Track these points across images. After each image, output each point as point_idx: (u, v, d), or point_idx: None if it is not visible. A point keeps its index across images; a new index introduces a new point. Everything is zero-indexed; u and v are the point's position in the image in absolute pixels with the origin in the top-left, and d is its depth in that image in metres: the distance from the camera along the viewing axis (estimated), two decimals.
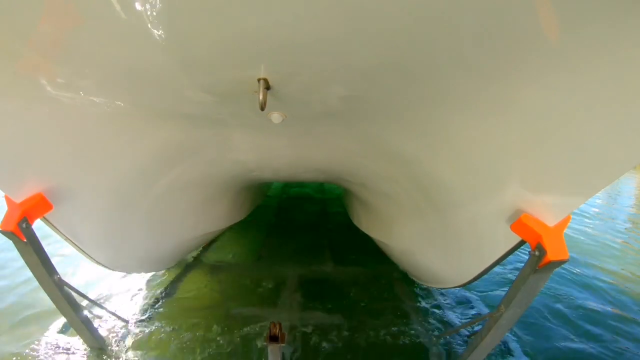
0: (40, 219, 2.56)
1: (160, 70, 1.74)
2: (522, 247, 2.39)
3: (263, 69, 1.67)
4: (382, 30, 1.37)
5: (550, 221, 2.13)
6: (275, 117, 2.31)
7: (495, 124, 2.05)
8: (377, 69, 1.69)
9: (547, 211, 2.11)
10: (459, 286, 3.26)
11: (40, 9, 1.37)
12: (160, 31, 1.40)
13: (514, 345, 3.34)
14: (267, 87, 1.77)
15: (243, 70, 1.69)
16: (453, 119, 2.21)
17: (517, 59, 1.56)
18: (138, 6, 1.26)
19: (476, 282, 2.90)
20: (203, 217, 4.63)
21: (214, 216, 5.01)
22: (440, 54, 1.57)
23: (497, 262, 2.59)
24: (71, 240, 2.83)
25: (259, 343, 3.14)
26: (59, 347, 3.05)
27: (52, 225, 2.63)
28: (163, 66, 1.69)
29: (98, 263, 3.21)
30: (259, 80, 1.73)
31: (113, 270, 3.57)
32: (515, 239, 2.34)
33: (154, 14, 1.30)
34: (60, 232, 2.72)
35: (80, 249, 2.97)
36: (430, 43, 1.47)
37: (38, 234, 2.51)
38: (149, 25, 1.36)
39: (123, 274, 4.20)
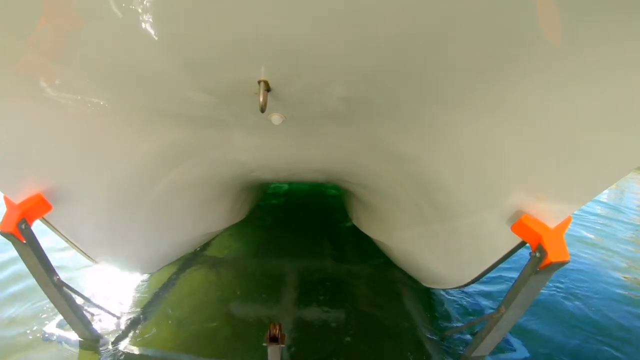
0: (40, 220, 2.55)
1: (162, 71, 1.75)
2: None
3: (263, 71, 1.69)
4: (381, 33, 1.38)
5: (551, 222, 2.12)
6: (276, 118, 2.33)
7: (495, 125, 2.05)
8: (376, 71, 1.70)
9: (548, 212, 2.11)
10: (459, 287, 3.27)
11: (42, 10, 1.37)
12: (162, 33, 1.41)
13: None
14: (268, 89, 1.78)
15: (244, 72, 1.70)
16: (453, 120, 2.22)
17: (516, 60, 1.57)
18: (139, 8, 1.26)
19: None
20: (203, 217, 4.63)
21: (214, 217, 5.02)
22: (440, 56, 1.58)
23: (498, 263, 2.59)
24: (71, 241, 2.83)
25: (258, 340, 3.14)
26: (57, 342, 3.06)
27: (52, 225, 2.63)
28: (164, 68, 1.70)
29: (98, 264, 3.22)
30: (259, 82, 1.74)
31: (113, 270, 3.57)
32: (516, 240, 2.34)
33: (155, 16, 1.31)
34: (60, 233, 2.71)
35: (80, 250, 2.96)
36: (429, 45, 1.48)
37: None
38: (150, 28, 1.36)
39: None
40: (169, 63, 1.65)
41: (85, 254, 3.01)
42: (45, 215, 2.51)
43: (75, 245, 2.89)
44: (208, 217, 4.79)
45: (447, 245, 3.21)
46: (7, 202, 2.40)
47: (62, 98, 2.11)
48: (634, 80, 1.39)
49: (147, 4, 1.24)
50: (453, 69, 1.69)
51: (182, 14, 1.30)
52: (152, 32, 1.39)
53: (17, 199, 2.37)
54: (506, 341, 3.25)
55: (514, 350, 3.21)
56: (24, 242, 2.42)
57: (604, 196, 10.57)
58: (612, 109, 1.53)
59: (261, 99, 1.73)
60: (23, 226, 2.37)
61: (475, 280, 2.92)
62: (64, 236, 2.76)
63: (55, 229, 2.66)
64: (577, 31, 1.34)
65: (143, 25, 1.34)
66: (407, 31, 1.37)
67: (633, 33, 1.26)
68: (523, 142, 1.98)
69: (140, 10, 1.27)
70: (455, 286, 3.28)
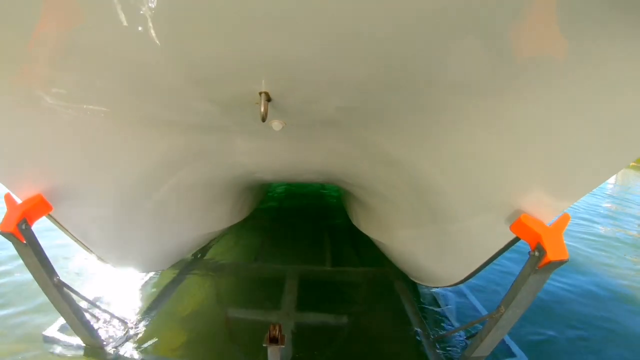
0: (49, 219, 2.61)
1: (169, 84, 1.84)
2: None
3: (264, 84, 1.79)
4: (372, 52, 1.49)
5: (546, 218, 2.17)
6: (276, 124, 2.43)
7: (488, 131, 2.11)
8: (369, 85, 1.81)
9: (545, 211, 2.13)
10: (455, 284, 3.31)
11: (54, 19, 1.43)
12: (170, 50, 1.51)
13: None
14: (268, 99, 1.89)
15: (246, 84, 1.81)
16: (446, 126, 2.28)
17: (505, 75, 1.67)
18: (149, 26, 1.34)
19: None
20: (206, 217, 4.69)
21: (216, 216, 5.08)
22: (429, 73, 1.69)
23: (491, 260, 2.66)
24: (79, 240, 2.90)
25: (259, 344, 3.13)
26: (57, 346, 3.05)
27: (60, 224, 2.69)
28: (172, 81, 1.80)
29: (104, 262, 3.29)
30: (260, 93, 1.84)
31: (118, 268, 3.63)
32: (507, 237, 2.39)
33: (164, 34, 1.40)
34: (68, 232, 2.78)
35: (88, 248, 3.04)
36: (419, 63, 1.59)
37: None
38: (159, 44, 1.44)
39: (122, 274, 4.21)
40: (176, 77, 1.75)
41: (93, 252, 3.07)
42: (54, 215, 2.57)
43: (84, 245, 2.96)
44: (211, 217, 4.85)
45: (442, 246, 3.25)
46: (8, 202, 2.42)
47: (70, 104, 2.17)
48: (617, 89, 1.50)
49: (157, 23, 1.32)
50: (442, 83, 1.80)
51: (190, 32, 1.40)
52: (161, 47, 1.47)
53: (22, 197, 2.42)
54: (505, 345, 3.25)
55: (514, 356, 3.20)
56: (24, 242, 2.43)
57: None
58: (598, 115, 1.64)
59: (262, 109, 1.84)
60: (23, 226, 2.38)
61: (469, 278, 3.00)
62: (73, 236, 2.83)
63: (64, 228, 2.73)
64: (559, 49, 1.45)
65: (152, 40, 1.42)
66: (398, 50, 1.48)
67: (612, 49, 1.37)
68: (516, 146, 2.05)
69: (149, 27, 1.35)
70: (450, 284, 3.33)
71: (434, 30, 1.34)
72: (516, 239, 2.35)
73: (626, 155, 1.68)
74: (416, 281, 4.22)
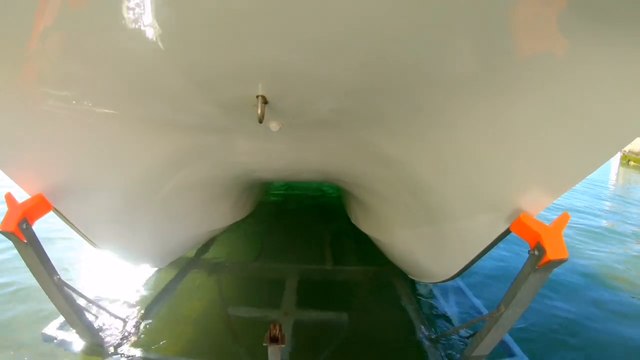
0: (56, 214, 2.66)
1: (172, 87, 1.96)
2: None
3: (261, 88, 1.93)
4: (359, 59, 1.62)
5: (532, 211, 2.22)
6: (273, 125, 2.55)
7: (484, 129, 2.14)
8: (358, 88, 1.94)
9: (542, 207, 2.18)
10: (449, 279, 3.34)
11: (63, 23, 1.51)
12: (173, 55, 1.64)
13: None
14: (265, 102, 2.02)
15: (244, 88, 1.94)
16: (441, 127, 2.34)
17: (489, 80, 1.75)
18: (154, 33, 1.45)
19: None
20: (208, 214, 4.76)
21: (218, 214, 5.14)
22: (414, 78, 1.81)
23: (484, 253, 2.70)
24: (84, 234, 2.98)
25: (259, 343, 3.13)
26: (58, 344, 3.06)
27: (65, 218, 2.76)
28: (174, 84, 1.91)
29: (108, 256, 3.41)
30: (257, 96, 1.96)
31: (123, 262, 3.74)
32: (496, 232, 2.44)
33: (168, 40, 1.51)
34: (73, 226, 2.86)
35: (92, 242, 3.10)
36: (403, 70, 1.72)
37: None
38: (163, 49, 1.56)
39: (123, 274, 4.23)
40: (178, 80, 1.87)
41: (97, 246, 3.15)
42: (59, 209, 2.64)
43: (87, 238, 3.05)
44: (213, 214, 4.91)
45: (440, 244, 3.28)
46: (9, 201, 2.43)
47: (76, 106, 2.22)
48: (607, 89, 1.59)
49: (161, 30, 1.43)
50: (435, 86, 1.89)
51: (191, 40, 1.54)
52: (164, 53, 1.59)
53: (30, 193, 2.49)
54: (505, 344, 3.26)
55: (514, 355, 3.19)
56: (25, 241, 2.44)
57: None
58: (591, 112, 1.70)
59: (259, 111, 1.96)
60: (24, 226, 2.40)
61: (460, 273, 3.06)
62: (76, 228, 2.91)
63: (69, 221, 2.81)
64: (554, 51, 1.52)
65: (157, 46, 1.52)
66: (387, 56, 1.59)
67: (604, 54, 1.46)
68: (512, 145, 2.09)
69: (154, 34, 1.45)
70: (446, 279, 3.36)
71: (424, 37, 1.42)
72: (507, 232, 2.39)
73: (612, 148, 1.78)
74: (414, 278, 4.23)
